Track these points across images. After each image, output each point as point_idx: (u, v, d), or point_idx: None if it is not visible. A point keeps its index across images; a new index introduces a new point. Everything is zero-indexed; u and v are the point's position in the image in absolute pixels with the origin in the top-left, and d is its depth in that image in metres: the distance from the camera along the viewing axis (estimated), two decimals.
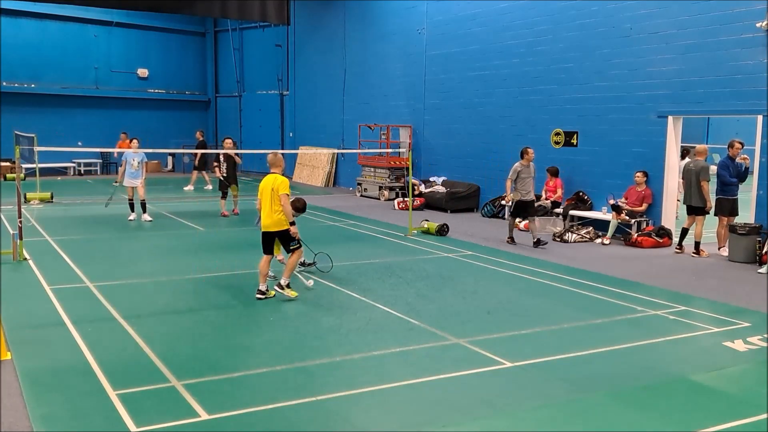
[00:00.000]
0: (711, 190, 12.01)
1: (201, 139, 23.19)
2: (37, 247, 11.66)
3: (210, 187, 21.94)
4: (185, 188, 22.21)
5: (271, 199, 8.35)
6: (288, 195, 8.37)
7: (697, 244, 12.00)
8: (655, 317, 8.10)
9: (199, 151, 21.73)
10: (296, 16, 25.87)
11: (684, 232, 12.30)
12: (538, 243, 12.51)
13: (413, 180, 16.30)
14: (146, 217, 14.86)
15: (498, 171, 17.43)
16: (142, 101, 29.46)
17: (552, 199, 15.20)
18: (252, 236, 13.78)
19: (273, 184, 8.36)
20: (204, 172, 22.66)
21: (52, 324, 7.40)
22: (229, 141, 16.58)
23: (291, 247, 8.52)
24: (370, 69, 22.44)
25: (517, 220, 15.53)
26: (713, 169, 12.23)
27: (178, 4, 23.52)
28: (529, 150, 12.58)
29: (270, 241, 8.57)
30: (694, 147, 13.40)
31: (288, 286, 8.58)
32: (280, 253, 9.49)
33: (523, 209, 12.76)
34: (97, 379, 5.78)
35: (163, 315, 8.05)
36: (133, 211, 14.94)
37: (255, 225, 8.77)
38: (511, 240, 12.87)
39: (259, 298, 8.51)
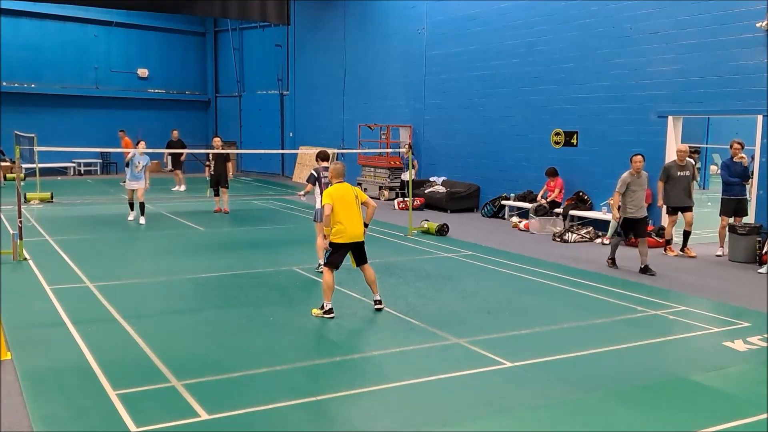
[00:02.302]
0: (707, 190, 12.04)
1: (176, 139, 22.79)
2: (37, 247, 11.67)
3: (182, 188, 21.70)
4: (173, 189, 21.83)
5: (358, 209, 7.96)
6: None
7: (667, 241, 12.25)
8: (655, 317, 8.10)
9: (169, 151, 21.34)
10: (296, 16, 25.87)
11: (685, 234, 12.06)
12: (646, 270, 10.51)
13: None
14: (141, 219, 14.69)
15: (498, 171, 17.46)
16: (142, 101, 29.46)
17: (551, 198, 15.18)
18: (252, 236, 13.82)
19: (355, 192, 8.01)
20: (178, 172, 22.43)
21: (52, 324, 7.40)
22: (217, 140, 16.81)
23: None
24: (370, 69, 22.44)
25: (517, 219, 15.60)
26: (713, 169, 12.27)
27: (178, 4, 23.52)
28: (635, 158, 10.60)
29: (354, 246, 8.02)
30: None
31: (381, 302, 8.17)
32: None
33: (632, 227, 10.78)
34: (97, 379, 5.79)
35: (163, 315, 8.05)
36: (132, 210, 14.90)
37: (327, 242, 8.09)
38: (612, 262, 10.93)
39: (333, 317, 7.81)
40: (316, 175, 10.07)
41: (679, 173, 11.77)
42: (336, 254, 7.93)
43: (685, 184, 11.80)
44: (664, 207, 12.35)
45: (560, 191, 15.19)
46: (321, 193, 9.91)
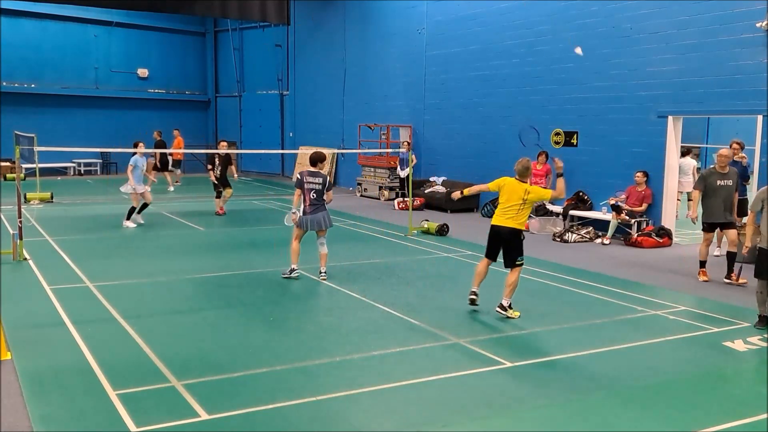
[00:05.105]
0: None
1: (159, 138, 22.68)
2: (37, 247, 11.66)
3: (172, 188, 21.85)
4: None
5: (518, 209, 7.81)
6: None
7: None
8: (655, 317, 8.10)
9: (158, 151, 21.29)
10: (296, 16, 25.87)
11: (729, 257, 10.12)
12: None
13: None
14: (139, 219, 14.34)
15: (498, 171, 17.35)
16: (142, 101, 29.44)
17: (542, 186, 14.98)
18: (251, 236, 13.81)
19: (525, 195, 7.80)
20: (166, 173, 22.48)
21: (52, 324, 7.40)
22: (224, 143, 16.78)
23: (518, 262, 7.94)
24: (370, 69, 22.44)
25: None
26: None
27: (178, 4, 23.53)
28: None
29: (501, 242, 7.94)
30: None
31: (510, 306, 7.95)
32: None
33: None
34: (97, 379, 5.78)
35: (163, 315, 8.05)
36: (130, 217, 14.24)
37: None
38: (764, 320, 7.67)
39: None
40: (300, 178, 9.51)
41: (719, 182, 9.86)
42: (489, 244, 8.14)
43: (725, 195, 9.87)
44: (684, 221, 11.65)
45: (546, 177, 14.99)
46: (304, 200, 9.46)
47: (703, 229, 10.26)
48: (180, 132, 24.74)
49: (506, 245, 7.98)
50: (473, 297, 8.15)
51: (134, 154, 14.23)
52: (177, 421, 5.00)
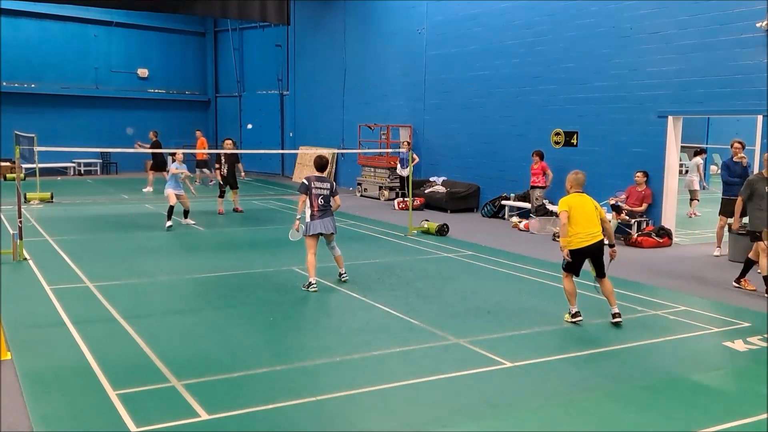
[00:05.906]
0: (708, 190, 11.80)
1: (155, 139, 22.55)
2: (37, 247, 11.67)
3: (150, 189, 21.47)
4: (144, 190, 21.59)
5: (597, 219, 7.72)
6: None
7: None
8: (655, 317, 8.10)
9: (153, 151, 21.29)
10: (296, 16, 25.89)
11: (747, 263, 9.68)
12: None
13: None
14: (190, 220, 14.76)
15: (498, 171, 17.46)
16: (142, 101, 29.47)
17: (537, 184, 15.27)
18: (252, 236, 13.81)
19: (594, 204, 7.84)
20: (165, 173, 22.50)
21: (52, 324, 7.40)
22: (229, 142, 16.81)
23: (605, 269, 7.71)
24: (370, 69, 22.44)
25: (517, 219, 15.59)
26: (713, 169, 12.03)
27: (178, 4, 23.53)
28: None
29: (588, 257, 7.70)
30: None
31: (620, 315, 7.64)
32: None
33: None
34: (97, 379, 5.78)
35: (163, 315, 8.05)
36: (170, 218, 14.26)
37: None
38: None
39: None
40: (307, 183, 9.09)
41: (767, 188, 9.24)
42: (573, 262, 7.71)
43: None
44: (720, 228, 11.54)
45: (543, 175, 15.30)
46: (312, 205, 9.07)
47: (754, 239, 9.38)
48: (202, 132, 25.06)
49: (594, 257, 7.71)
50: (580, 317, 7.74)
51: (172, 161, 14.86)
52: (177, 421, 5.00)
